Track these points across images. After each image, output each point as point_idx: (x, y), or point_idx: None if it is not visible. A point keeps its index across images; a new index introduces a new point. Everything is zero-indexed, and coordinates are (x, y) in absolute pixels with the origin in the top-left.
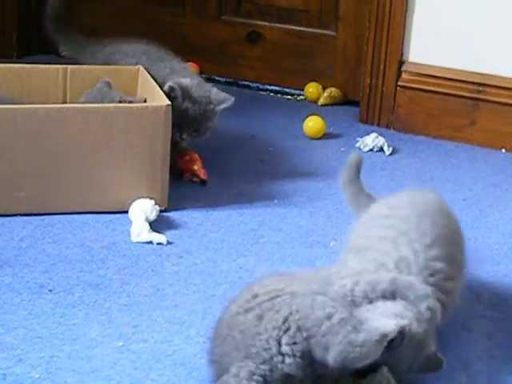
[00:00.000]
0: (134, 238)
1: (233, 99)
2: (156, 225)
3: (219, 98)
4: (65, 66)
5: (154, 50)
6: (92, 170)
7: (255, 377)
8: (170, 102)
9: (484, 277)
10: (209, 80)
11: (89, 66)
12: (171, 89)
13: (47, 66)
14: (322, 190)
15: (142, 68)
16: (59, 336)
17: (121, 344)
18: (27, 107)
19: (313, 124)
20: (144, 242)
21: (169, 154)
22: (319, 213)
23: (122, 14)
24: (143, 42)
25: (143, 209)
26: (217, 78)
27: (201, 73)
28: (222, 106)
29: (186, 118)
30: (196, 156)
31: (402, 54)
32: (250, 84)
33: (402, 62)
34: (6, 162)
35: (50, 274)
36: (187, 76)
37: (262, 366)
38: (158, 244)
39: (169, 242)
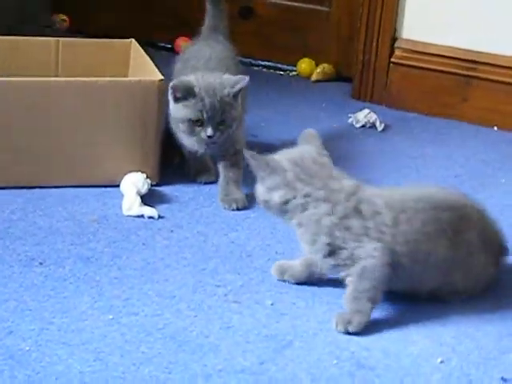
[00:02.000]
0: (125, 212)
1: (247, 78)
2: (147, 199)
3: (231, 80)
4: (57, 38)
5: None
6: (84, 144)
7: None
8: (162, 77)
9: None
10: None
11: (81, 39)
12: (171, 88)
13: (39, 38)
14: None
15: (134, 41)
16: (49, 309)
17: (111, 317)
18: (18, 80)
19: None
20: (135, 216)
21: (161, 128)
22: None
23: None
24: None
25: (134, 182)
26: None
27: None
28: (238, 87)
29: (203, 112)
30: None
31: (395, 31)
32: (243, 59)
33: (394, 39)
34: None
35: (40, 247)
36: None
37: None
38: (150, 218)
39: (160, 216)
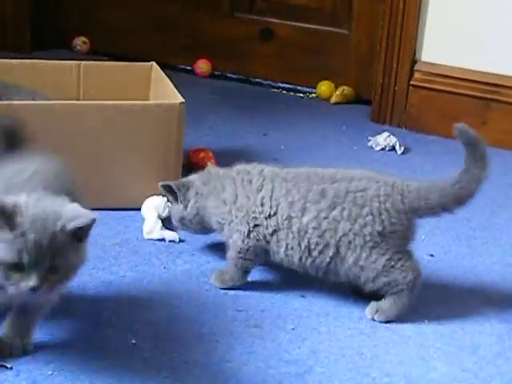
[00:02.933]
0: (146, 236)
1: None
2: (168, 222)
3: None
4: (78, 62)
5: None
6: (105, 167)
7: None
8: (183, 100)
9: (494, 278)
10: (220, 77)
11: (102, 62)
12: None
13: (61, 61)
14: None
15: (155, 64)
16: (68, 335)
17: (133, 342)
18: (44, 103)
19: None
20: (156, 240)
21: (182, 151)
22: None
23: (134, 9)
24: None
25: (155, 206)
26: (229, 75)
27: (213, 69)
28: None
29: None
30: (210, 154)
31: (414, 54)
32: (263, 82)
33: (414, 62)
34: None
35: None
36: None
37: None
38: (170, 241)
39: (181, 240)
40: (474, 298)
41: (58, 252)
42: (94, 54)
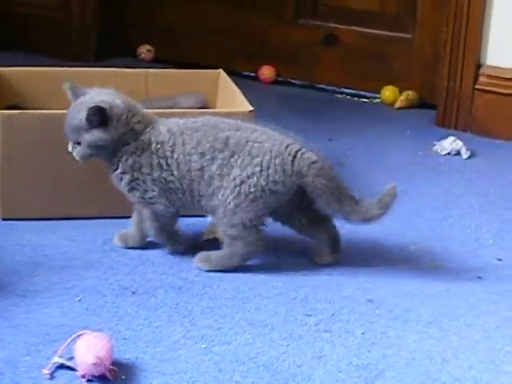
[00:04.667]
0: (205, 236)
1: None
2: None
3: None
4: (146, 70)
5: None
6: None
7: None
8: (252, 108)
9: None
10: (285, 83)
11: (169, 70)
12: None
13: (129, 69)
14: (400, 193)
15: (222, 72)
16: (143, 338)
17: (204, 346)
18: None
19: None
20: None
21: None
22: (398, 216)
23: (197, 17)
24: None
25: None
26: (293, 81)
27: (277, 76)
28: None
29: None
30: None
31: (479, 57)
32: (326, 87)
33: (479, 65)
34: (91, 166)
35: (132, 277)
36: None
37: None
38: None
39: None
40: None
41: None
42: (159, 61)
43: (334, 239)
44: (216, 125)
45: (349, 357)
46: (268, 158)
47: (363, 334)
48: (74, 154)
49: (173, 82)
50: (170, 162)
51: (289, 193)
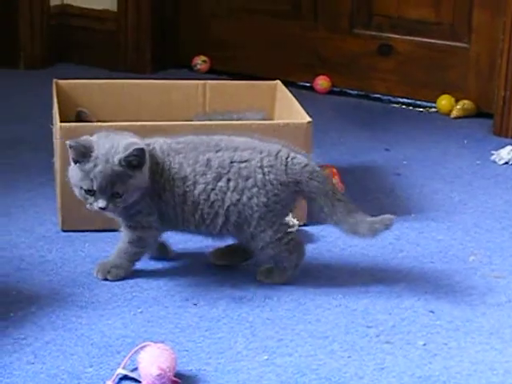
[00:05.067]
0: None
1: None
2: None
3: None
4: (204, 81)
5: None
6: None
7: None
8: (310, 119)
9: None
10: (340, 93)
11: (227, 81)
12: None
13: (186, 81)
14: (458, 204)
15: (279, 83)
16: (205, 349)
17: (266, 358)
18: (171, 124)
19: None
20: None
21: None
22: (457, 227)
23: (252, 28)
24: None
25: None
26: (348, 91)
27: (332, 86)
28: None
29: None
30: (335, 170)
31: None
32: (382, 97)
33: None
34: None
35: (193, 288)
36: None
37: None
38: None
39: None
40: None
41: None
42: (214, 73)
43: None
44: (196, 147)
45: (411, 368)
46: (261, 176)
47: (424, 345)
48: (117, 204)
49: (230, 93)
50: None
51: (293, 198)
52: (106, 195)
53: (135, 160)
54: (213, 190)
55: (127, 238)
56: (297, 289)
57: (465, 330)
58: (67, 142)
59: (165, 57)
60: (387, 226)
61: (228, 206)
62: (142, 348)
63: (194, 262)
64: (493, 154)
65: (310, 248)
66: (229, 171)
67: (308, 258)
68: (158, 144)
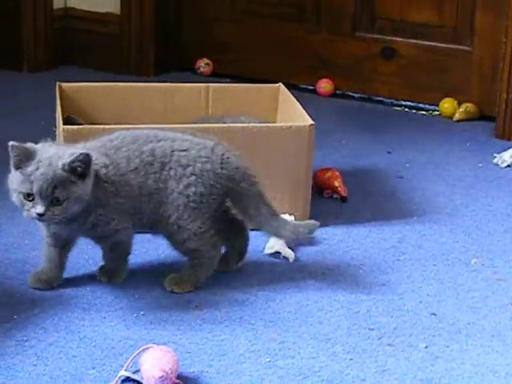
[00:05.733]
0: (266, 251)
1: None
2: (297, 241)
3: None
4: (207, 84)
5: None
6: None
7: None
8: (313, 122)
9: None
10: (343, 96)
11: (230, 84)
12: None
13: (190, 84)
14: (461, 206)
15: (282, 86)
16: (208, 351)
17: (268, 360)
18: (174, 127)
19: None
20: (272, 253)
21: (312, 172)
22: (459, 230)
23: (255, 31)
24: None
25: None
26: (351, 94)
27: (335, 89)
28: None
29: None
30: (337, 173)
31: None
32: (384, 100)
33: None
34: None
35: (195, 291)
36: None
37: None
38: (284, 258)
39: (296, 260)
40: None
41: (59, 186)
42: (217, 75)
43: (245, 248)
44: (135, 139)
45: (413, 371)
46: (199, 165)
47: (426, 347)
48: (55, 213)
49: (233, 96)
50: (116, 185)
51: (223, 194)
52: (46, 200)
53: (80, 167)
54: (159, 178)
55: (107, 247)
56: (299, 291)
57: (467, 333)
58: (10, 143)
59: (168, 60)
60: (311, 231)
61: (168, 195)
62: (144, 350)
63: None
64: (495, 157)
65: (312, 250)
66: (170, 160)
67: (310, 260)
68: (93, 149)
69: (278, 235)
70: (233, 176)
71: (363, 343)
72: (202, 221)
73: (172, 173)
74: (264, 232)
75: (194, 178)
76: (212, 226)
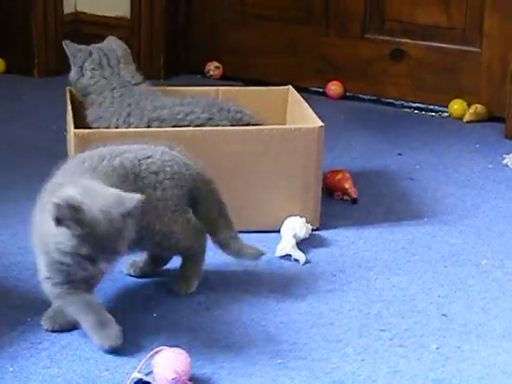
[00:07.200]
0: (277, 253)
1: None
2: (308, 243)
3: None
4: (217, 87)
5: None
6: (245, 190)
7: None
8: (322, 124)
9: None
10: (353, 98)
11: (239, 87)
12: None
13: (200, 87)
14: (471, 208)
15: (291, 88)
16: (219, 353)
17: (279, 361)
18: (183, 130)
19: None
20: (283, 255)
21: (321, 174)
22: (469, 231)
23: (264, 34)
24: None
25: (293, 226)
26: (361, 96)
27: (345, 91)
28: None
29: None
30: (347, 174)
31: None
32: (394, 101)
33: None
34: None
35: (206, 293)
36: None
37: None
38: (295, 260)
39: (306, 262)
40: None
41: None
42: (227, 79)
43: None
44: (102, 157)
45: (424, 371)
46: (168, 169)
47: (437, 348)
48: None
49: (243, 99)
50: None
51: (190, 192)
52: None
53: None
54: (135, 190)
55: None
56: (310, 293)
57: (477, 334)
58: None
59: (178, 63)
60: (255, 256)
61: (146, 205)
62: (157, 352)
63: (206, 267)
64: (505, 158)
65: (323, 252)
66: (140, 169)
67: (321, 262)
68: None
69: (225, 249)
70: (194, 175)
71: (374, 344)
72: (182, 220)
73: (146, 181)
74: (214, 244)
75: (168, 182)
76: (191, 217)
